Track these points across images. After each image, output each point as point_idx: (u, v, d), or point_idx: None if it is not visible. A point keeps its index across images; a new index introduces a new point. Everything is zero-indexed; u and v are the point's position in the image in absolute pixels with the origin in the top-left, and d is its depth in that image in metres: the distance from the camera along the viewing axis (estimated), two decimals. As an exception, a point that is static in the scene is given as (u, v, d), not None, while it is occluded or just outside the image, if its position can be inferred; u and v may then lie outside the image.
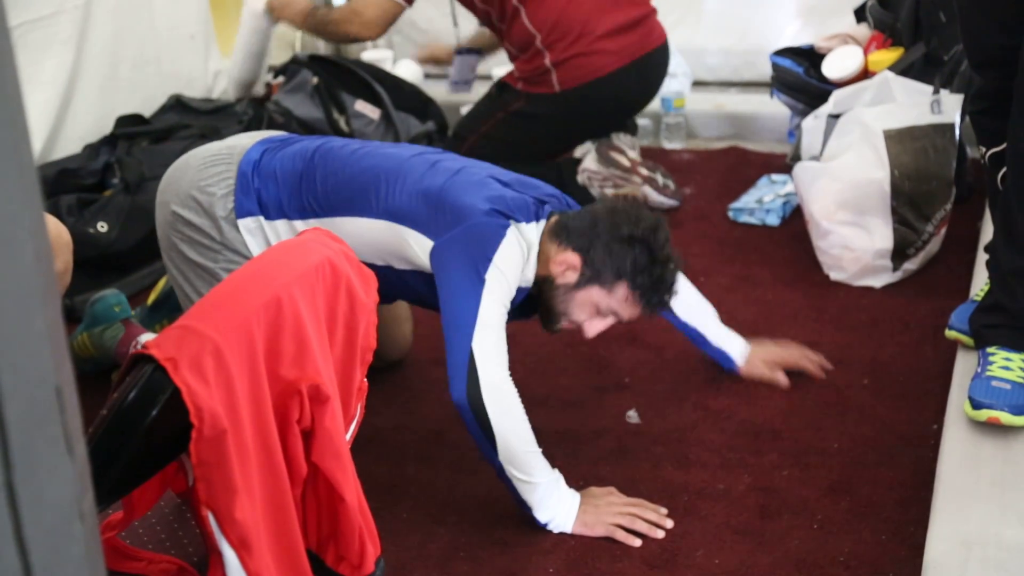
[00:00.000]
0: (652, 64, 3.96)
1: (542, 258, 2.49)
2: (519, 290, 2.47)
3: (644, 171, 3.93)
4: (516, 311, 2.51)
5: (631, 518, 2.42)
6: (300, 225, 2.58)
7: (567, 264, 2.46)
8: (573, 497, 2.43)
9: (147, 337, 2.96)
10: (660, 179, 3.95)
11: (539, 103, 3.90)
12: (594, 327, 2.53)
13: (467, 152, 3.77)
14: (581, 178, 3.93)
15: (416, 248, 2.48)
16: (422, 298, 2.62)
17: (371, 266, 2.50)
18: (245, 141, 2.72)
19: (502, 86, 4.04)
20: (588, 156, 3.96)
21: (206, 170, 2.66)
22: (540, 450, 2.39)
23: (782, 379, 2.90)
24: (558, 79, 3.84)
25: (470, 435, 2.35)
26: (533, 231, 2.49)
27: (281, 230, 2.60)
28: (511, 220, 2.44)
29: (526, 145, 3.91)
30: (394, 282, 2.58)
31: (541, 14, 3.81)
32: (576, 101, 3.86)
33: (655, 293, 2.48)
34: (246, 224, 2.61)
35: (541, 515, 2.40)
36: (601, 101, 3.88)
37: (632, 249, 2.44)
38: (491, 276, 2.36)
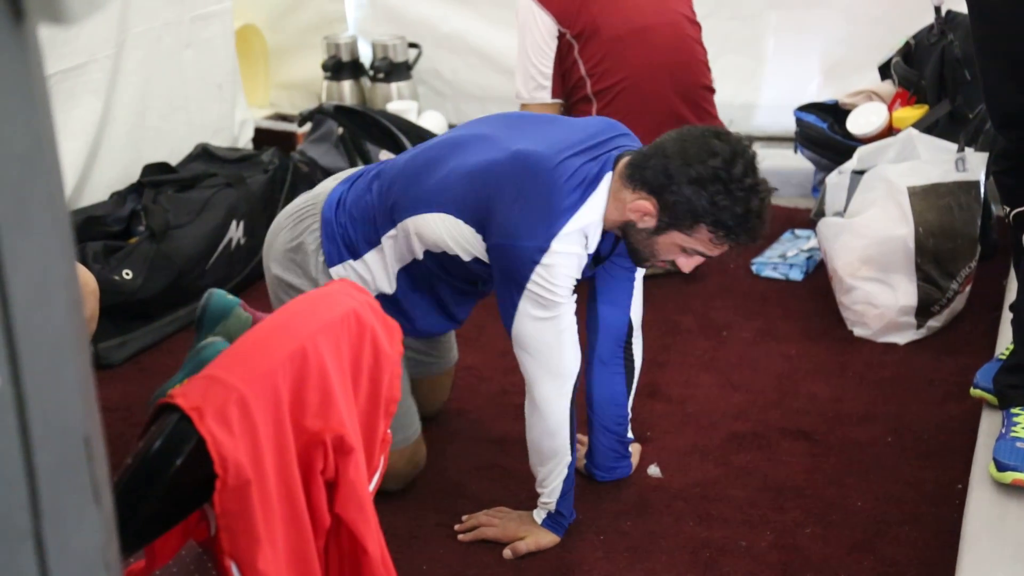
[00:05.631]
0: None
1: (619, 204, 2.40)
2: (604, 235, 2.46)
3: None
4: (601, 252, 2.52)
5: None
6: (384, 244, 2.58)
7: (642, 211, 2.37)
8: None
9: None
10: None
11: None
12: (688, 264, 2.46)
13: None
14: None
15: (465, 243, 2.48)
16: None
17: (449, 256, 2.53)
18: (328, 185, 2.73)
19: None
20: None
21: (296, 226, 2.67)
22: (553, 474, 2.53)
23: None
24: None
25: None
26: (597, 204, 2.39)
27: (371, 262, 2.60)
28: (555, 233, 2.34)
29: None
30: (474, 272, 2.58)
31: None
32: None
33: (741, 230, 2.35)
34: (336, 272, 2.61)
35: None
36: None
37: (706, 190, 2.30)
38: (537, 305, 2.39)
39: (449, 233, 2.48)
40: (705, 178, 2.30)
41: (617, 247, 2.57)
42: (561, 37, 3.71)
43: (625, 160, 2.43)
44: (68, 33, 3.53)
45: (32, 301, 0.80)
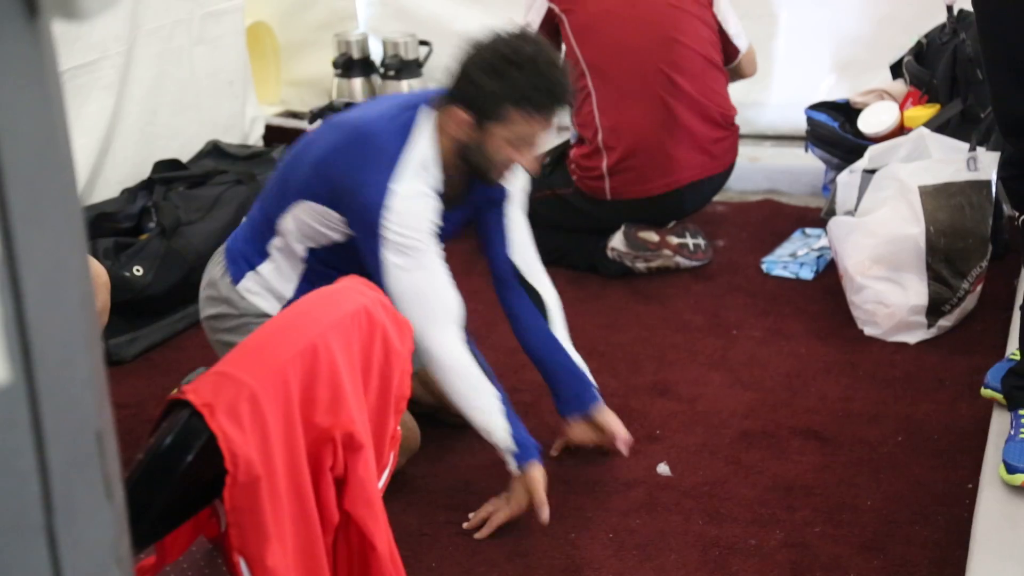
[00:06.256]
0: (710, 186, 3.96)
1: (444, 132, 2.55)
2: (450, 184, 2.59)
3: (674, 241, 3.85)
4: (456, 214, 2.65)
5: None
6: (273, 254, 2.72)
7: (458, 120, 2.51)
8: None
9: None
10: (690, 243, 3.87)
11: (587, 201, 3.86)
12: (527, 160, 2.57)
13: None
14: (611, 255, 3.85)
15: (332, 223, 2.60)
16: None
17: (327, 247, 2.66)
18: None
19: (558, 160, 3.98)
20: (615, 236, 3.85)
21: (207, 268, 2.86)
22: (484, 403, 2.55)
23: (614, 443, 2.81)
24: (611, 188, 3.81)
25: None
26: (422, 137, 2.53)
27: (266, 272, 2.74)
28: (390, 175, 2.47)
29: (558, 223, 3.84)
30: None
31: (608, 111, 3.80)
32: (625, 209, 3.83)
33: (544, 97, 2.48)
34: (245, 286, 2.75)
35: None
36: (651, 210, 3.86)
37: (497, 71, 2.47)
38: (397, 253, 2.48)
39: (314, 218, 2.61)
40: (492, 62, 2.48)
41: (473, 188, 2.68)
42: (550, 12, 3.82)
43: (440, 99, 2.58)
44: (80, 30, 3.54)
45: (44, 296, 0.80)
